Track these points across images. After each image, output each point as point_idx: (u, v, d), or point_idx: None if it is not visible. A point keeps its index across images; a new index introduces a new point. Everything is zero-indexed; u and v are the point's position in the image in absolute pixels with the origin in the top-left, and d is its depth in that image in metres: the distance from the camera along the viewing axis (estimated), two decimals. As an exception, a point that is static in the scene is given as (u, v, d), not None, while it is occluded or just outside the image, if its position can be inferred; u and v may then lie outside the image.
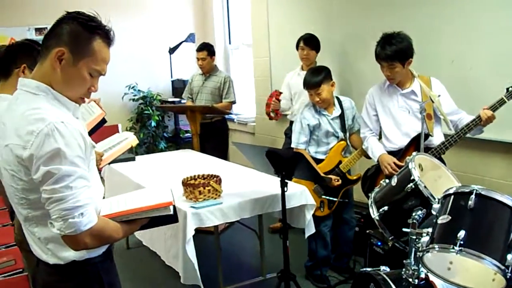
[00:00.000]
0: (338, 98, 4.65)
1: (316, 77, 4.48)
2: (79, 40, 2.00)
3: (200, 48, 6.65)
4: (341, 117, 4.60)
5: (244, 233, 5.01)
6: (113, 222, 2.08)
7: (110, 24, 2.08)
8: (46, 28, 7.81)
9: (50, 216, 1.93)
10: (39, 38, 7.61)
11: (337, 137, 4.59)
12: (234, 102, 6.70)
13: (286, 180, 3.68)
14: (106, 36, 2.05)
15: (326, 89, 4.48)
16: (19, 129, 1.92)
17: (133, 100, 8.52)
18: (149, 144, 8.32)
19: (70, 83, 2.03)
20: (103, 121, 3.48)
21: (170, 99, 8.34)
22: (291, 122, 5.74)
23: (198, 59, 6.66)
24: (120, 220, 2.10)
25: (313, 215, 4.19)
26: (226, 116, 6.99)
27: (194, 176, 4.15)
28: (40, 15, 7.90)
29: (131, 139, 3.43)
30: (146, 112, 8.40)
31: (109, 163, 3.93)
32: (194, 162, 5.43)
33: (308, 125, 4.55)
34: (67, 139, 1.89)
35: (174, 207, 2.17)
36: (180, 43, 8.28)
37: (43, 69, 2.04)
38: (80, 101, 2.11)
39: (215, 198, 3.85)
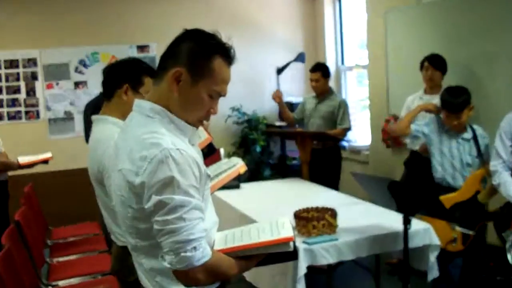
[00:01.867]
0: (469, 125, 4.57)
1: (460, 100, 4.41)
2: (198, 60, 2.01)
3: (314, 69, 6.63)
4: (475, 140, 4.48)
5: (358, 272, 4.90)
6: (228, 258, 2.06)
7: (231, 42, 2.08)
8: (148, 46, 8.06)
9: (160, 248, 1.94)
10: (141, 56, 7.86)
11: (469, 164, 4.46)
12: (349, 129, 6.63)
13: (410, 217, 3.58)
14: (227, 55, 2.05)
15: (466, 113, 4.43)
16: (132, 153, 1.94)
17: (237, 123, 8.61)
18: (252, 171, 8.33)
19: (188, 106, 2.04)
20: (210, 147, 3.49)
21: (277, 123, 8.34)
22: (412, 152, 5.61)
23: (311, 80, 6.64)
24: (236, 255, 2.08)
25: (444, 250, 4.04)
26: (340, 144, 6.91)
27: (307, 208, 4.11)
28: (143, 33, 8.15)
29: (240, 166, 3.39)
30: (250, 136, 8.45)
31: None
32: (304, 192, 5.40)
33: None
34: (181, 166, 1.90)
35: (294, 243, 2.13)
36: (289, 63, 8.26)
37: (159, 90, 2.05)
38: (198, 124, 2.12)
39: (330, 234, 3.78)
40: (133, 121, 2.06)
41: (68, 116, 7.94)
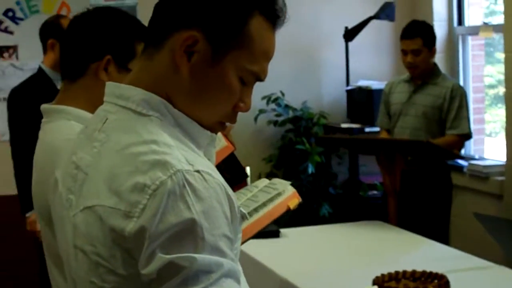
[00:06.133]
0: None
1: None
2: (225, 19, 2.01)
3: (410, 33, 6.64)
4: None
5: None
6: None
7: None
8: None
9: None
10: (113, 3, 7.84)
11: None
12: (468, 136, 6.66)
13: None
14: (271, 12, 2.06)
15: None
16: (116, 179, 1.91)
17: (275, 124, 8.63)
18: (301, 206, 8.31)
19: (205, 96, 2.04)
20: (235, 165, 3.49)
21: (343, 125, 8.35)
22: None
23: (405, 52, 6.64)
24: None
25: None
26: (449, 162, 6.93)
27: (396, 273, 4.10)
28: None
29: (288, 195, 3.34)
30: (298, 147, 8.42)
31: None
32: (389, 245, 5.44)
33: None
34: (207, 204, 1.87)
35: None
36: (366, 22, 8.27)
37: (153, 68, 2.05)
38: (218, 129, 2.14)
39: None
40: (110, 121, 2.04)
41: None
